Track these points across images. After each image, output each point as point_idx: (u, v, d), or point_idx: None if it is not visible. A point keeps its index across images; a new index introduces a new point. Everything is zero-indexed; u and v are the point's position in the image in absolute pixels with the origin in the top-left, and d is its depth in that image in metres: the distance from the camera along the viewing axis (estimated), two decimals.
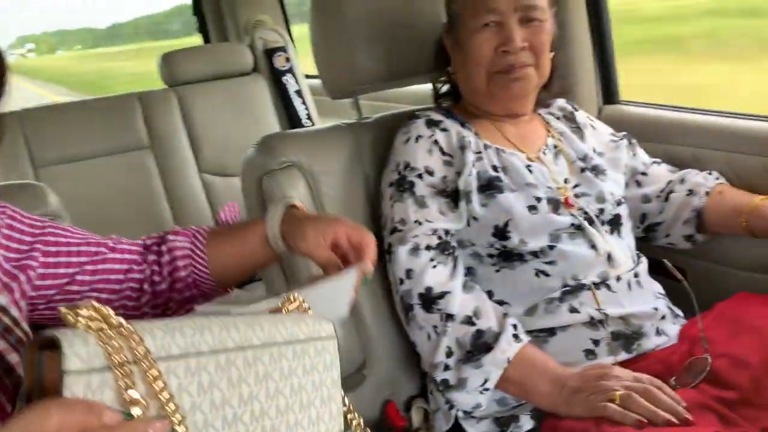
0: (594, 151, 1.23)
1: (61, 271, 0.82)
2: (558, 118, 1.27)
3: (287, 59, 2.48)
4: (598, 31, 1.49)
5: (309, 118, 2.48)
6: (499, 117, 1.20)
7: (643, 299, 1.09)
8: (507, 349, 1.00)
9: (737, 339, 0.99)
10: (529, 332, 1.04)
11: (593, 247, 1.09)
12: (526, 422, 1.03)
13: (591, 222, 1.11)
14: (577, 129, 1.26)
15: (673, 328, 1.09)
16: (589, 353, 1.04)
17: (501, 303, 1.08)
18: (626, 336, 1.05)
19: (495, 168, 1.13)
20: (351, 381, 1.17)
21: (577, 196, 1.14)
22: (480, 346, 1.01)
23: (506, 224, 1.08)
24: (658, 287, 1.15)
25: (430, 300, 1.04)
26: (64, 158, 2.10)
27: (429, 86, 1.32)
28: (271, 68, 2.47)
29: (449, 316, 1.03)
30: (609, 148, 1.26)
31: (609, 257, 1.09)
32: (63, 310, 0.50)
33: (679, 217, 1.22)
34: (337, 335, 0.68)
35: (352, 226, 0.89)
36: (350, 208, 1.20)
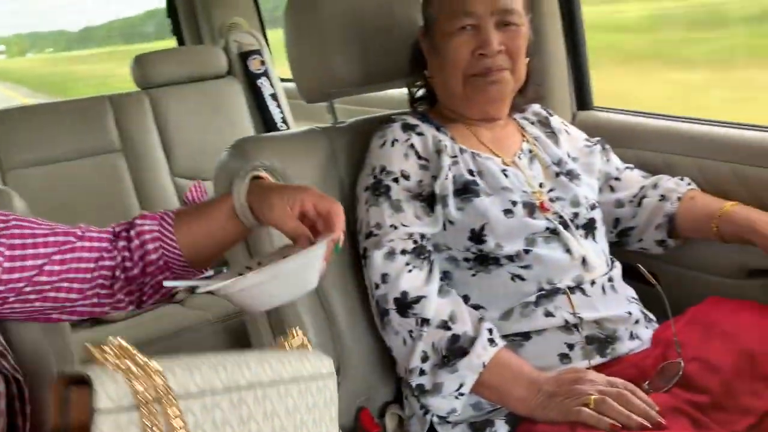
0: (568, 156, 1.23)
1: (29, 263, 0.81)
2: (533, 123, 1.28)
3: (262, 62, 2.47)
4: (572, 38, 1.50)
5: (284, 121, 2.46)
6: (474, 121, 1.20)
7: (617, 303, 1.10)
8: (482, 353, 0.99)
9: (709, 343, 1.00)
10: (504, 336, 1.04)
11: (568, 251, 1.09)
12: (501, 427, 1.03)
13: (566, 226, 1.11)
14: (552, 134, 1.27)
15: (646, 332, 1.10)
16: (564, 357, 1.04)
17: (477, 307, 1.08)
18: (600, 340, 1.06)
19: (471, 172, 1.13)
20: None
21: (552, 200, 1.14)
22: (455, 350, 1.00)
23: (482, 228, 1.08)
24: (631, 292, 1.16)
25: (405, 304, 1.04)
26: (33, 161, 2.05)
27: (405, 91, 1.32)
28: (246, 71, 2.45)
29: (425, 321, 1.02)
30: (583, 153, 1.27)
31: (584, 261, 1.10)
32: (90, 348, 0.51)
33: (652, 221, 1.23)
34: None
35: (319, 195, 0.88)
36: None
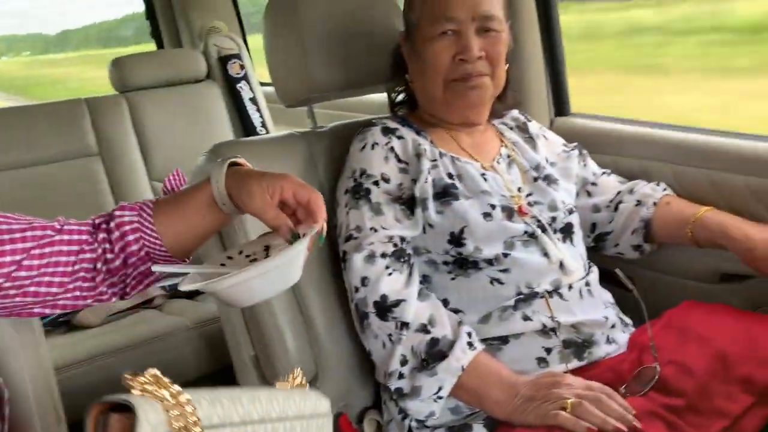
0: (546, 160, 1.24)
1: (7, 258, 0.80)
2: (511, 129, 1.29)
3: (242, 66, 2.46)
4: (549, 45, 1.52)
5: (264, 126, 2.46)
6: (454, 126, 1.20)
7: (594, 308, 1.11)
8: (461, 357, 1.00)
9: (684, 347, 1.01)
10: (483, 340, 1.05)
11: (546, 254, 1.10)
12: (479, 430, 1.03)
13: (544, 230, 1.12)
14: (530, 139, 1.28)
15: (622, 336, 1.11)
16: (542, 361, 1.05)
17: (456, 311, 1.09)
18: (577, 344, 1.06)
19: (450, 176, 1.13)
20: None
21: (530, 204, 1.15)
22: (434, 354, 1.00)
23: (462, 231, 1.08)
24: (608, 296, 1.17)
25: (385, 308, 1.04)
26: (8, 164, 2.02)
27: (385, 95, 1.32)
28: (226, 75, 2.44)
29: (404, 324, 1.02)
30: (561, 158, 1.28)
31: (561, 265, 1.11)
32: (128, 378, 0.53)
33: (628, 226, 1.25)
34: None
35: (299, 183, 0.87)
36: None
